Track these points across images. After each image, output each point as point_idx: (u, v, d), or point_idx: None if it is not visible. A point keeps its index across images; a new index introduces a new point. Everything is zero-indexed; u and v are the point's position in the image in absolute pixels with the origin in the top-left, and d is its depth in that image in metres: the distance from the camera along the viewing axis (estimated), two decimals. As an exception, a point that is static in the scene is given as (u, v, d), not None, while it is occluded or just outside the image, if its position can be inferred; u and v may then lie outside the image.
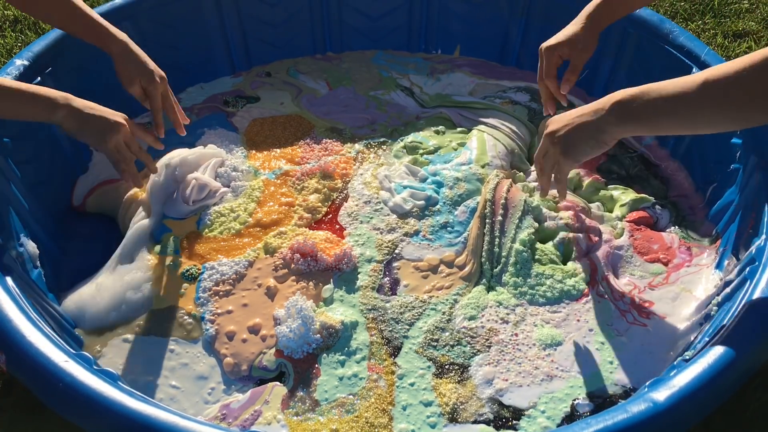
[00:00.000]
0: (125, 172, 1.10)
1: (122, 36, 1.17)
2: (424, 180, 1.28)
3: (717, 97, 0.83)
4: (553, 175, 1.05)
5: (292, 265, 1.12)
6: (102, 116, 1.07)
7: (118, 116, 1.09)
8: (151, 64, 1.17)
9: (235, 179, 1.27)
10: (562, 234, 1.16)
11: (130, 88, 1.17)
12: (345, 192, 1.27)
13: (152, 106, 1.17)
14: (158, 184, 1.20)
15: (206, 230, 1.18)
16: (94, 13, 1.17)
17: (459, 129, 1.42)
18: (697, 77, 0.85)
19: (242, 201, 1.23)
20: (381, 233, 1.18)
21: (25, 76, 1.19)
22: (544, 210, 1.20)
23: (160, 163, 1.22)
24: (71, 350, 0.84)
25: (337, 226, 1.21)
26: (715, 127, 0.88)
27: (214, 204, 1.22)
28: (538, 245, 1.15)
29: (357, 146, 1.37)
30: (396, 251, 1.15)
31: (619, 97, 0.92)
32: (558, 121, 1.01)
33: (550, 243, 1.16)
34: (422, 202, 1.23)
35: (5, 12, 1.98)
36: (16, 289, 0.90)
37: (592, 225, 1.19)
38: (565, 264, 1.13)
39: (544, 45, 1.19)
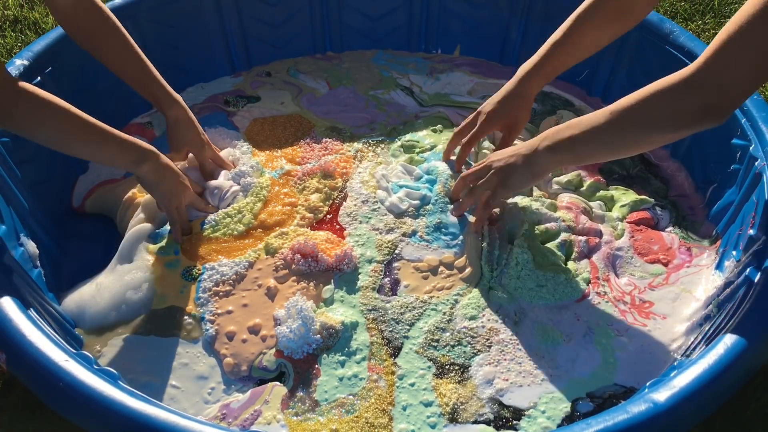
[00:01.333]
0: (177, 232, 1.15)
1: (180, 100, 1.22)
2: (419, 179, 1.28)
3: (620, 124, 0.96)
4: (481, 200, 1.14)
5: (293, 266, 1.12)
6: (179, 176, 1.14)
7: (185, 178, 1.17)
8: (202, 133, 1.25)
9: (244, 175, 1.27)
10: (563, 235, 1.16)
11: (177, 154, 1.23)
12: (344, 191, 1.27)
13: (203, 172, 1.26)
14: None
15: (210, 230, 1.18)
16: (156, 72, 1.21)
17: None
18: (606, 108, 0.98)
19: (250, 200, 1.22)
20: (380, 233, 1.18)
21: (25, 75, 1.19)
22: (546, 211, 1.20)
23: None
24: (71, 350, 0.84)
25: (338, 226, 1.21)
26: (625, 151, 1.02)
27: (228, 205, 1.22)
28: (539, 245, 1.15)
29: (356, 145, 1.37)
30: (396, 251, 1.15)
31: (547, 134, 1.05)
32: (498, 154, 1.12)
33: (551, 244, 1.16)
34: (417, 202, 1.23)
35: (5, 12, 1.98)
36: (17, 289, 0.90)
37: (593, 227, 1.19)
38: (566, 264, 1.14)
39: (488, 109, 1.22)
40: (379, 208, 1.23)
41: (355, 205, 1.23)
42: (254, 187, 1.24)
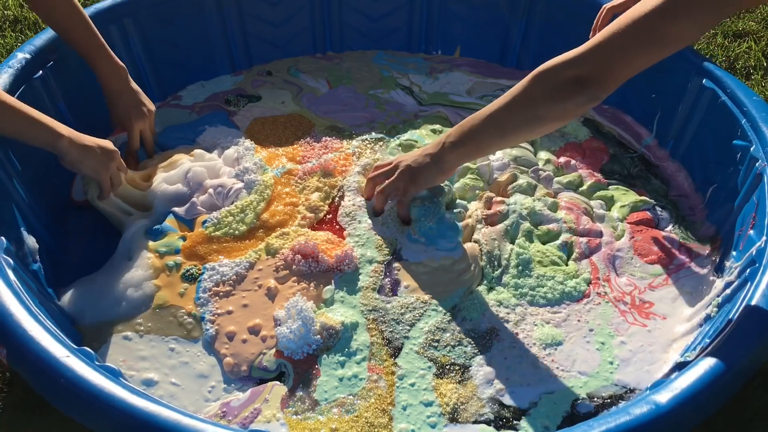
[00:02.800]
0: (107, 191, 1.17)
1: (120, 69, 1.24)
2: None
3: (509, 106, 1.02)
4: (394, 198, 1.18)
5: (294, 266, 1.12)
6: (102, 146, 1.14)
7: (110, 143, 1.16)
8: (145, 104, 1.28)
9: (248, 172, 1.26)
10: (564, 236, 1.16)
11: (121, 126, 1.27)
12: (342, 190, 1.27)
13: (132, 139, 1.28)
14: (168, 190, 1.22)
15: (212, 229, 1.18)
16: (101, 39, 1.23)
17: None
18: (497, 99, 1.04)
19: (254, 198, 1.22)
20: (379, 233, 1.18)
21: (26, 69, 1.18)
22: (548, 213, 1.20)
23: (175, 173, 1.24)
24: (73, 345, 0.84)
25: (338, 227, 1.21)
26: (517, 134, 1.05)
27: (231, 203, 1.22)
28: (540, 247, 1.15)
29: (354, 143, 1.37)
30: (396, 252, 1.15)
31: (452, 130, 1.11)
32: (406, 156, 1.17)
33: (552, 244, 1.16)
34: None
35: (5, 12, 1.98)
36: (17, 284, 0.90)
37: (593, 227, 1.19)
38: (566, 265, 1.14)
39: (607, 5, 1.31)
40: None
41: (353, 204, 1.23)
42: (258, 185, 1.24)
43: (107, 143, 1.15)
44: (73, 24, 1.20)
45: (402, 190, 1.15)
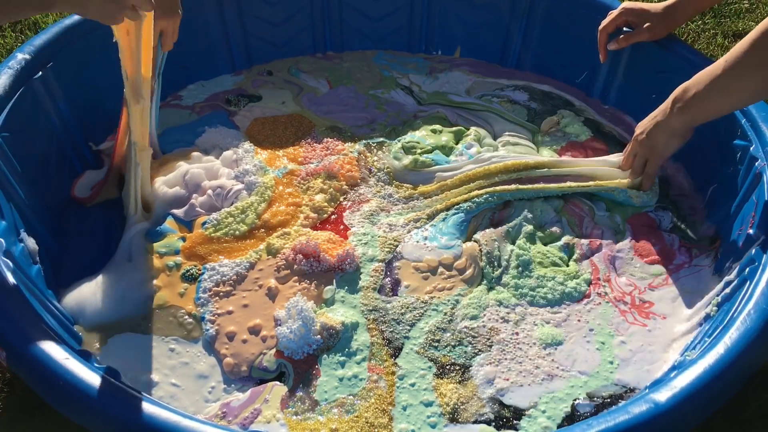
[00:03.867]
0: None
1: None
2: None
3: (735, 69, 0.99)
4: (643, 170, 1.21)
5: (295, 266, 1.12)
6: None
7: None
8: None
9: (248, 174, 1.26)
10: (566, 238, 1.17)
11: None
12: (357, 195, 1.27)
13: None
14: (168, 193, 1.22)
15: (211, 230, 1.17)
16: None
17: (455, 128, 1.42)
18: (721, 59, 1.01)
19: (254, 199, 1.22)
20: (386, 231, 1.19)
21: (26, 69, 1.18)
22: (552, 214, 1.20)
23: (173, 176, 1.24)
24: (72, 347, 0.84)
25: (342, 227, 1.21)
26: (745, 97, 1.04)
27: (231, 204, 1.22)
28: (541, 248, 1.15)
29: (357, 146, 1.37)
30: (397, 249, 1.16)
31: (674, 95, 1.11)
32: (641, 125, 1.19)
33: (553, 245, 1.16)
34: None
35: (5, 10, 1.98)
36: (17, 286, 0.90)
37: (595, 229, 1.19)
38: (567, 265, 1.14)
39: (625, 3, 1.36)
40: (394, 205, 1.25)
41: (373, 208, 1.25)
42: (259, 186, 1.24)
43: None
44: None
45: (647, 161, 1.20)
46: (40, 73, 1.21)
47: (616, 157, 1.27)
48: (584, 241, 1.16)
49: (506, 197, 1.23)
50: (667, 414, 0.75)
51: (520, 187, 1.23)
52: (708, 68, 1.04)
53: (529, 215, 1.19)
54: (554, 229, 1.19)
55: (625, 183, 1.23)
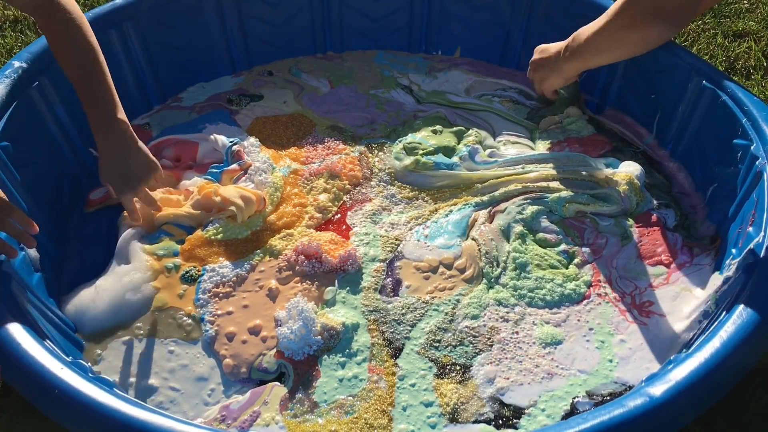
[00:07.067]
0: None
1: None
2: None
3: (624, 17, 1.15)
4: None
5: (297, 267, 1.12)
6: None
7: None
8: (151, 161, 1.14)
9: (257, 172, 1.26)
10: (564, 246, 1.16)
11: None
12: (361, 195, 1.27)
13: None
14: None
15: (212, 233, 1.17)
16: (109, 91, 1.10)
17: (456, 128, 1.42)
18: (611, 7, 1.18)
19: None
20: (388, 230, 1.19)
21: (23, 77, 1.17)
22: (546, 224, 1.19)
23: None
24: (66, 358, 0.84)
25: (344, 226, 1.21)
26: (628, 48, 1.22)
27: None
28: (539, 250, 1.15)
29: (359, 147, 1.37)
30: (398, 249, 1.16)
31: (567, 42, 1.30)
32: (541, 50, 1.40)
33: (553, 249, 1.15)
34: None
35: (5, 12, 1.98)
36: (14, 297, 0.90)
37: (598, 238, 1.18)
38: (567, 267, 1.13)
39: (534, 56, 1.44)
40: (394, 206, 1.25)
41: (375, 207, 1.25)
42: (268, 187, 1.24)
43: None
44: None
45: (537, 81, 1.44)
46: (37, 83, 1.20)
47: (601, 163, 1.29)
48: (586, 249, 1.16)
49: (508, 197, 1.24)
50: (663, 407, 0.75)
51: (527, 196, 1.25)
52: (599, 18, 1.19)
53: (519, 216, 1.19)
54: (550, 237, 1.18)
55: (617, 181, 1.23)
